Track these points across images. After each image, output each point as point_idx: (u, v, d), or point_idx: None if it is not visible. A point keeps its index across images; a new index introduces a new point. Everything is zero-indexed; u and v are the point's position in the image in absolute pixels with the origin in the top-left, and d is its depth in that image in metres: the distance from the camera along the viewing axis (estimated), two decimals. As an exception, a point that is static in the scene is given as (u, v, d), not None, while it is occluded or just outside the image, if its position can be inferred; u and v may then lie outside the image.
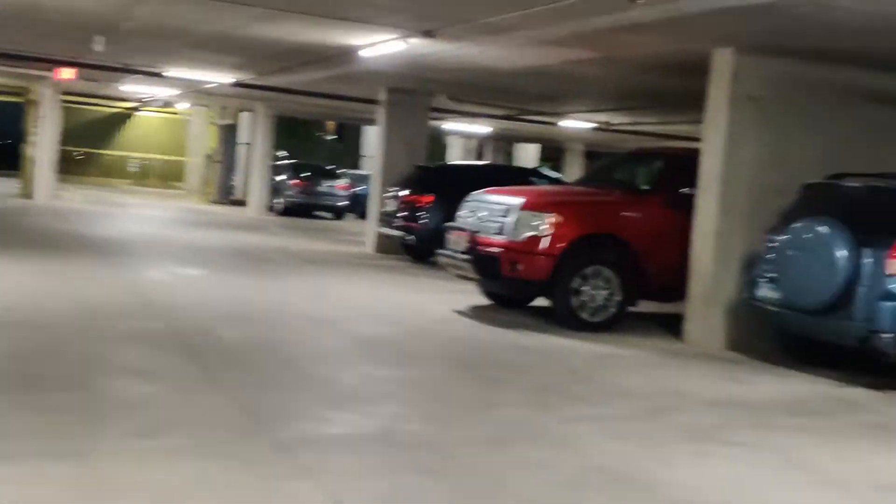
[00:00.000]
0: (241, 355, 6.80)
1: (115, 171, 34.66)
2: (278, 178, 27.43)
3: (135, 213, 21.41)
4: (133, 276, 10.60)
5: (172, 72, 16.29)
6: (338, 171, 29.76)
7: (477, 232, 9.49)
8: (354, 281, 12.27)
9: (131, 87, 21.71)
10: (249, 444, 4.73)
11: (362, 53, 11.38)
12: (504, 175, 15.09)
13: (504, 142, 32.91)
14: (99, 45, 12.26)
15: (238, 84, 17.01)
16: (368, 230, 17.14)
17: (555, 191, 11.24)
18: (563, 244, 9.02)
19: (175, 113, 32.14)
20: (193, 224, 19.80)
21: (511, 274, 9.15)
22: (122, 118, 34.74)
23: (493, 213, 9.52)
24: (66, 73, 17.18)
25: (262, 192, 25.89)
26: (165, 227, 18.59)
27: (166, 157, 33.91)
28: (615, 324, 9.22)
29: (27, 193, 22.72)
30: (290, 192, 27.42)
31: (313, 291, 10.84)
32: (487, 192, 10.01)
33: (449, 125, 24.52)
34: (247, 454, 4.55)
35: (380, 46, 10.74)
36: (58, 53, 15.45)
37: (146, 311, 8.26)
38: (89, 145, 33.36)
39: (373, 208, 16.94)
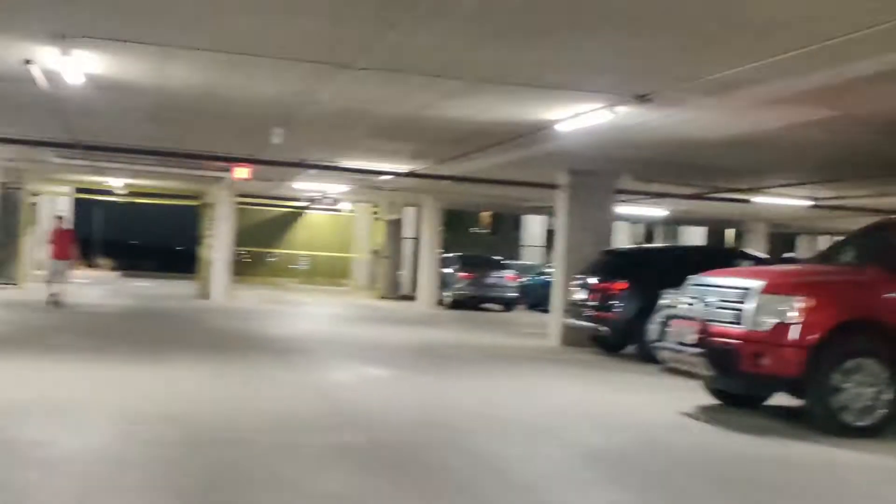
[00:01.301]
0: (466, 479, 5.66)
1: (283, 270, 34.93)
2: (445, 270, 26.83)
3: (308, 311, 21.02)
4: (317, 378, 9.76)
5: (348, 163, 15.84)
6: (505, 262, 28.94)
7: (708, 321, 8.16)
8: (550, 378, 11.08)
9: (304, 185, 21.57)
10: None
11: (558, 128, 10.38)
12: (705, 257, 13.61)
13: (672, 225, 31.34)
14: (278, 137, 11.81)
15: (412, 174, 16.37)
16: (552, 322, 15.96)
17: (799, 271, 9.76)
18: (818, 333, 7.55)
19: (340, 211, 32.19)
20: (367, 320, 19.18)
21: (753, 369, 7.74)
22: (290, 218, 35.15)
23: (725, 298, 8.17)
24: (241, 173, 17.05)
25: (432, 286, 25.22)
26: (340, 324, 18.01)
27: (333, 255, 33.93)
28: (885, 427, 7.64)
29: (204, 295, 22.79)
30: (458, 285, 26.72)
31: (512, 392, 9.71)
32: (714, 274, 8.70)
33: (617, 209, 23.26)
34: None
35: (582, 118, 9.69)
36: (234, 151, 15.24)
37: (339, 421, 7.29)
38: (258, 245, 33.78)
39: (557, 298, 15.79)
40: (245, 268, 32.66)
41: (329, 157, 15.23)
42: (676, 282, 11.78)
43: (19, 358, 9.87)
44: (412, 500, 5.07)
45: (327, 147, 13.92)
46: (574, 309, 14.73)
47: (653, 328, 11.63)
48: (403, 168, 16.11)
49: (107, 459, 5.52)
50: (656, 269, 13.75)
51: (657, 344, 8.95)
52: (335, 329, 16.62)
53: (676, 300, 10.18)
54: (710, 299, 8.37)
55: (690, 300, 8.71)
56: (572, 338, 15.13)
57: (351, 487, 5.21)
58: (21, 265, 22.85)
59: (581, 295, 14.55)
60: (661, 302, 11.92)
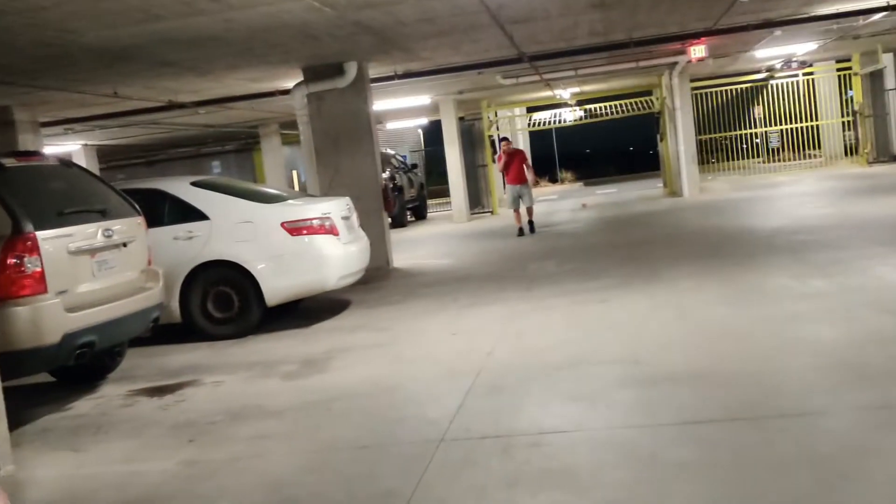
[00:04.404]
0: None
1: (745, 151, 32.09)
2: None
3: (792, 192, 18.44)
4: (860, 282, 7.65)
5: (824, 10, 13.09)
6: None
7: None
8: None
9: (764, 52, 18.82)
10: None
11: None
12: None
13: None
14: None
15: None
16: None
17: None
18: None
19: (801, 76, 28.51)
20: (868, 192, 16.16)
21: None
22: (745, 95, 32.05)
23: None
24: (699, 51, 15.01)
25: (938, 140, 21.18)
26: (840, 201, 15.28)
27: (799, 125, 30.30)
28: None
29: (673, 191, 21.25)
30: (972, 133, 22.29)
31: None
32: None
33: None
34: None
35: None
36: (689, 26, 13.23)
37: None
38: (715, 131, 31.24)
39: None
40: (706, 157, 30.43)
41: (801, 7, 12.62)
42: None
43: (501, 300, 9.02)
44: None
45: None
46: None
47: None
48: (900, 0, 12.93)
49: (646, 457, 4.09)
50: None
51: None
52: (837, 209, 13.96)
53: None
54: None
55: None
56: None
57: None
58: (492, 193, 23.00)
59: None
60: None
